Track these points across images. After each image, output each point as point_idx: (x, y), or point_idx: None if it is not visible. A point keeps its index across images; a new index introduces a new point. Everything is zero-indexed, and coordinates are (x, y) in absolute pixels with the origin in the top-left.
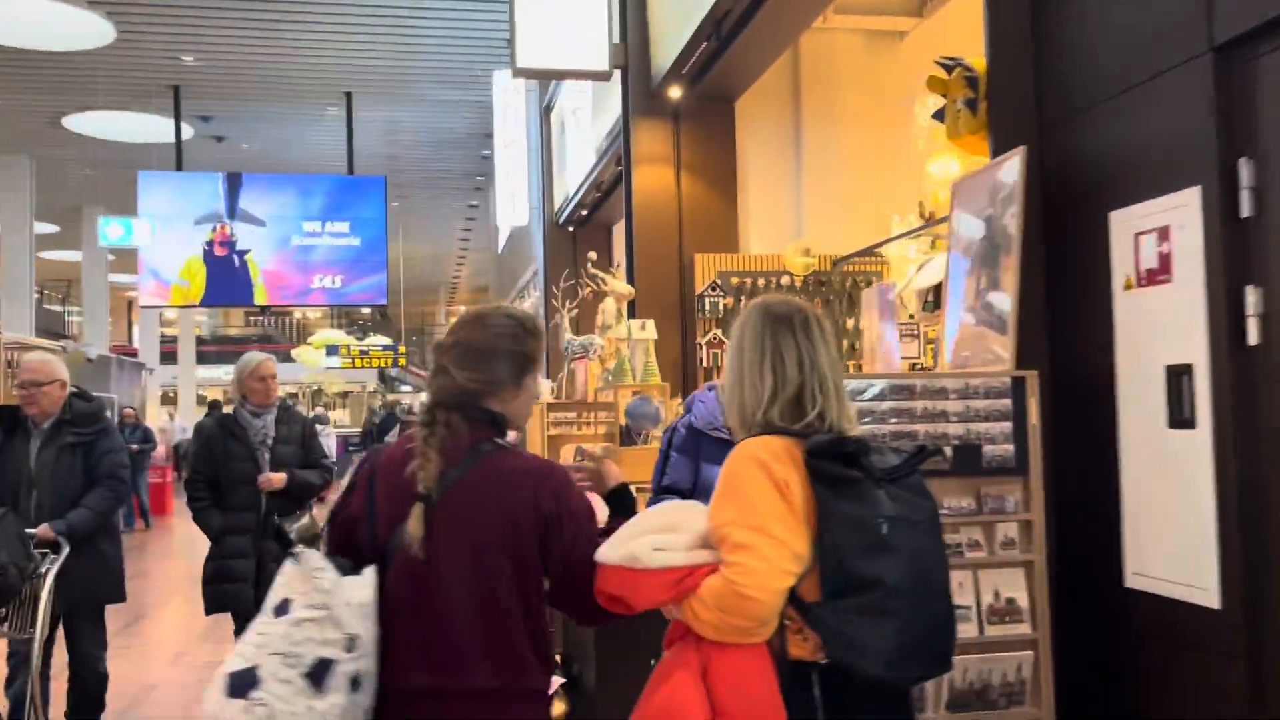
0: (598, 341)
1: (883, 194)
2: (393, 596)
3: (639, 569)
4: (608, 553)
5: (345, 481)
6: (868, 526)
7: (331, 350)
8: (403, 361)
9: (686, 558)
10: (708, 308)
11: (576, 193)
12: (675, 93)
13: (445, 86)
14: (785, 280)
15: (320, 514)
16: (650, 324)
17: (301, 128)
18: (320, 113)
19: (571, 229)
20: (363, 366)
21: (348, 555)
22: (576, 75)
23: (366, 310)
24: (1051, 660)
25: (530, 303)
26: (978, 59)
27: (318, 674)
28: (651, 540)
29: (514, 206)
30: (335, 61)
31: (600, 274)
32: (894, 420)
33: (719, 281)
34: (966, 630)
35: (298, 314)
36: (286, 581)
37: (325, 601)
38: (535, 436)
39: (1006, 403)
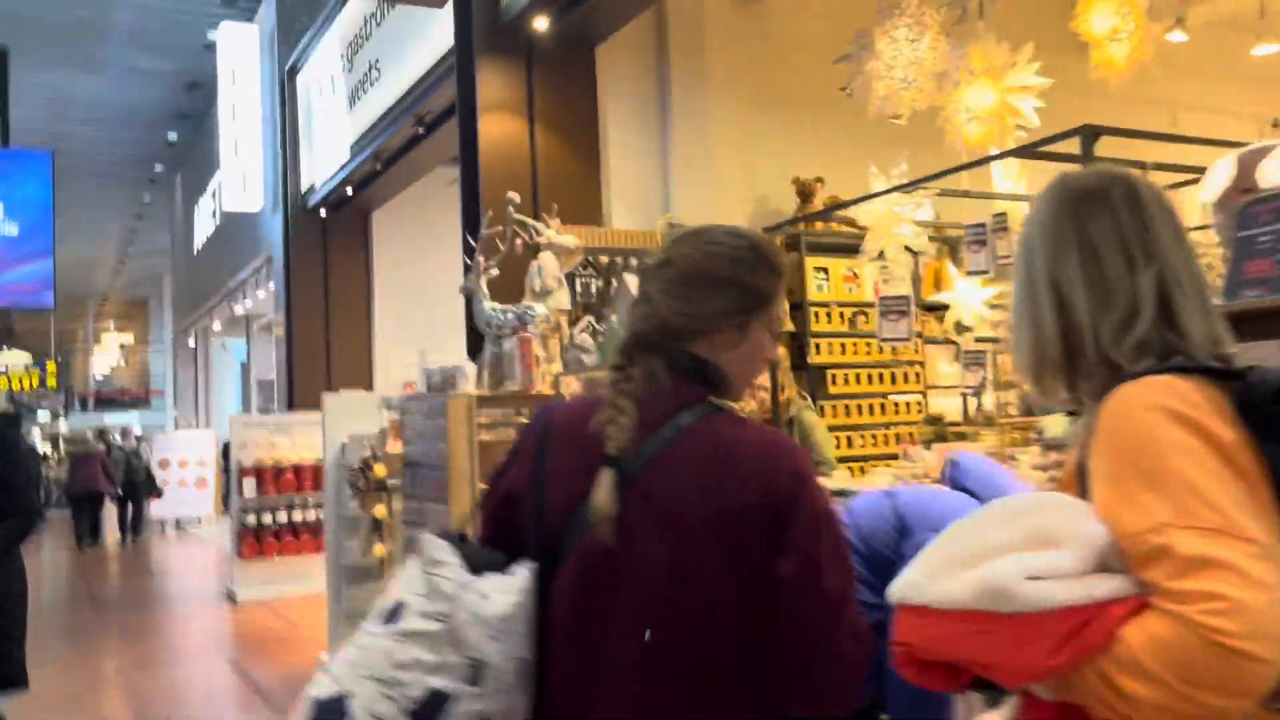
0: (538, 310)
1: (766, 163)
2: (563, 603)
3: (1008, 612)
4: (930, 587)
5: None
6: None
7: None
8: (52, 383)
9: (1086, 589)
10: (578, 289)
11: (344, 168)
12: (541, 24)
13: (137, 50)
14: None
15: None
16: None
17: None
18: None
19: (324, 213)
20: None
21: (507, 546)
22: None
23: None
24: None
25: (246, 305)
26: None
27: (426, 713)
28: (1022, 562)
29: (245, 188)
30: None
31: (531, 222)
32: None
33: (589, 259)
34: None
35: None
36: (406, 577)
37: (444, 610)
38: (458, 448)
39: None
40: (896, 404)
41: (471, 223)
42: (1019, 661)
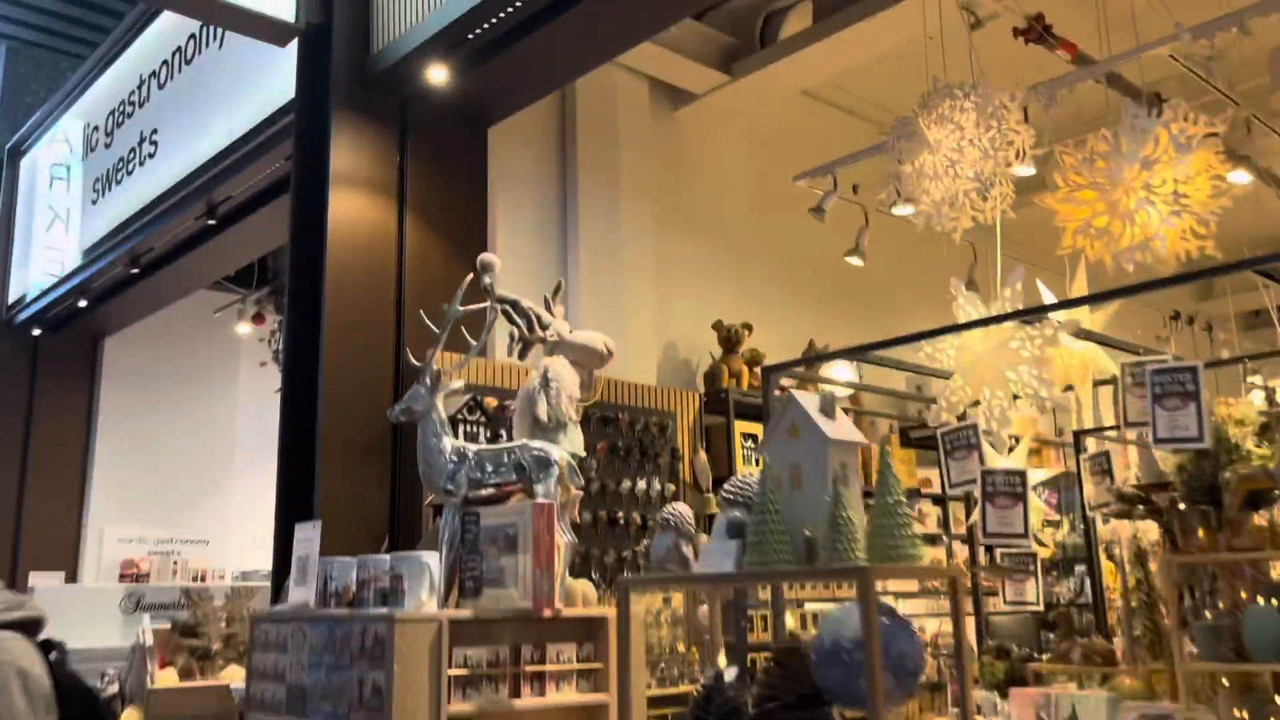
0: (555, 455)
1: (682, 299)
2: None
3: None
4: None
5: None
6: None
7: None
8: None
9: None
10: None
11: (81, 271)
12: (438, 74)
13: None
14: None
15: None
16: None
17: None
18: None
19: (38, 332)
20: None
21: None
22: (235, 23)
23: None
24: None
25: None
26: None
27: None
28: None
29: None
30: None
31: (528, 304)
32: None
33: (476, 400)
34: None
35: None
36: None
37: None
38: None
39: None
40: None
41: (303, 329)
42: None
